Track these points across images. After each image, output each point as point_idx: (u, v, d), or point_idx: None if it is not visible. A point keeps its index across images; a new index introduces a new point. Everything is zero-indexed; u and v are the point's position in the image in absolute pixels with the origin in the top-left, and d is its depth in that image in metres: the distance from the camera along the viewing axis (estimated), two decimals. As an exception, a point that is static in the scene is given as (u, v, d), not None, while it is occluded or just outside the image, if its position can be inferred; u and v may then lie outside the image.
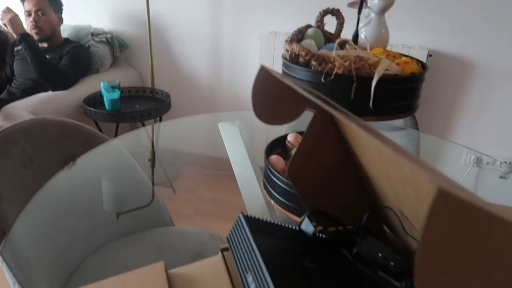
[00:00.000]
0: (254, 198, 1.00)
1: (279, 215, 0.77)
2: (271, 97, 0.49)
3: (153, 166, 1.37)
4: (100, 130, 1.98)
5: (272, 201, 0.76)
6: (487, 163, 2.14)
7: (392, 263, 0.49)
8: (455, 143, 2.08)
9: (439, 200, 0.20)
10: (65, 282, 0.90)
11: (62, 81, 2.08)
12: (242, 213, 0.49)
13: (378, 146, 0.38)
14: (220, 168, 2.00)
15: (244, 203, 1.05)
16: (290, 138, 0.86)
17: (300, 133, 0.91)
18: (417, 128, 1.86)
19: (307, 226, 0.52)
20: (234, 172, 1.09)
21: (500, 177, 2.09)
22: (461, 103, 2.14)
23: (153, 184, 1.28)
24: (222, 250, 0.51)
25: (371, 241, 0.51)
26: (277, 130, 1.52)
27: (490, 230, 0.22)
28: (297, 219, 0.72)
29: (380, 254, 0.50)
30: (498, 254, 0.24)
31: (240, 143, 1.17)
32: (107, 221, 1.08)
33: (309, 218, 0.53)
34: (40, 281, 0.83)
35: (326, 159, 0.52)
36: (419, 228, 0.43)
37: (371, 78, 0.69)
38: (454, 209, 0.20)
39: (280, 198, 0.73)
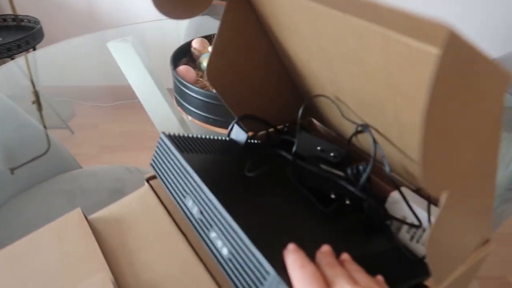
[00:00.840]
0: (166, 120, 0.91)
1: (199, 131, 0.71)
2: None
3: (40, 108, 1.18)
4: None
5: (189, 117, 0.69)
6: None
7: (332, 154, 0.47)
8: None
9: (451, 46, 0.15)
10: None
11: None
12: (164, 133, 0.41)
13: (335, 15, 0.32)
14: (120, 96, 1.82)
15: (156, 129, 0.96)
16: (195, 44, 0.77)
17: (205, 37, 0.81)
18: None
19: (238, 134, 0.47)
20: (138, 96, 0.97)
21: None
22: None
23: (45, 128, 1.11)
24: (148, 180, 0.44)
25: (307, 136, 0.48)
26: (174, 41, 1.37)
27: (489, 82, 0.19)
28: (220, 130, 0.66)
29: (318, 148, 0.47)
30: (488, 110, 0.21)
31: (137, 61, 1.03)
32: (1, 180, 0.92)
33: (238, 124, 0.48)
34: None
35: (247, 54, 0.45)
36: (369, 106, 0.40)
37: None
38: (463, 56, 0.16)
39: (198, 112, 0.66)
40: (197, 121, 0.68)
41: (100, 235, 0.39)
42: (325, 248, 0.33)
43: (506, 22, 1.80)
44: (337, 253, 0.35)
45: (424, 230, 0.40)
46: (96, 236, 0.38)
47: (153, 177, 0.45)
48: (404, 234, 0.42)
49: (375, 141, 0.40)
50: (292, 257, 0.29)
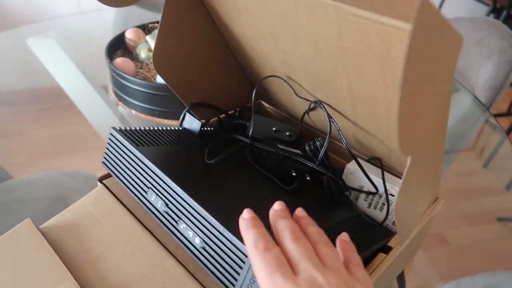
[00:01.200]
0: (105, 118, 0.86)
1: (144, 125, 0.68)
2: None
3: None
4: None
5: (133, 111, 0.66)
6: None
7: (287, 133, 0.47)
8: None
9: (423, 14, 0.16)
10: None
11: None
12: (114, 128, 0.39)
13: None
14: (45, 98, 1.69)
15: (89, 130, 0.91)
16: (129, 35, 0.73)
17: (139, 27, 0.77)
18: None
19: (191, 122, 0.46)
20: (69, 95, 0.91)
21: None
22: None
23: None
24: (101, 180, 0.42)
25: (260, 119, 0.48)
26: (99, 35, 1.29)
27: (448, 44, 0.20)
28: (168, 122, 0.64)
29: (273, 129, 0.47)
30: (445, 72, 0.22)
31: (65, 58, 0.96)
32: None
33: (190, 113, 0.47)
34: None
35: (192, 39, 0.44)
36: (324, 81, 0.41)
37: None
38: (431, 24, 0.17)
39: (142, 105, 0.63)
40: (141, 115, 0.65)
41: (57, 244, 0.36)
42: (279, 206, 0.30)
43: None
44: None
45: (380, 196, 0.43)
46: (52, 246, 0.35)
47: (106, 176, 0.42)
48: (362, 202, 0.44)
49: (329, 116, 0.41)
50: (252, 234, 0.26)
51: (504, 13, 1.56)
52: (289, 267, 0.25)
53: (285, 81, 0.43)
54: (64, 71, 0.93)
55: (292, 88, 0.44)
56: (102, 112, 0.86)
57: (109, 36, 0.76)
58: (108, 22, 1.30)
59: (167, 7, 0.39)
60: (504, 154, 0.91)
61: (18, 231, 0.36)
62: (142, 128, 0.42)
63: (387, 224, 0.42)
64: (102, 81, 1.00)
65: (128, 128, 0.40)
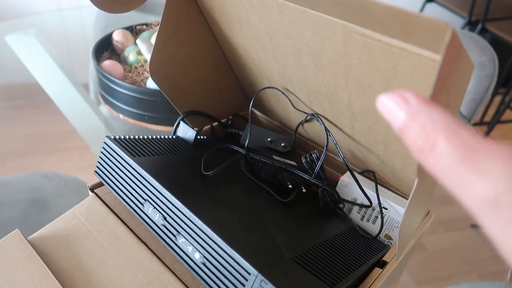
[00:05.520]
0: (84, 116, 0.83)
1: (132, 129, 0.67)
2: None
3: None
4: None
5: (121, 116, 0.64)
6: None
7: (282, 144, 0.47)
8: None
9: (451, 47, 0.16)
10: None
11: None
12: (109, 137, 0.38)
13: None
14: (17, 95, 1.64)
15: (66, 128, 0.88)
16: (117, 36, 0.71)
17: (127, 28, 0.76)
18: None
19: (185, 131, 0.45)
20: (49, 94, 0.88)
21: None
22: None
23: None
24: (92, 189, 0.40)
25: (255, 129, 0.48)
26: (78, 32, 1.26)
27: (463, 70, 0.20)
28: (157, 128, 0.63)
29: (268, 139, 0.47)
30: (458, 96, 0.23)
31: (45, 56, 0.92)
32: None
33: (184, 121, 0.46)
34: None
35: (189, 47, 0.44)
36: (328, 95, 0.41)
37: None
38: (455, 54, 0.17)
39: (131, 109, 0.62)
40: (129, 119, 0.64)
41: (48, 256, 0.35)
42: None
43: None
44: (303, 239, 0.36)
45: (373, 210, 0.43)
46: (43, 258, 0.34)
47: (98, 185, 0.41)
48: (355, 215, 0.44)
49: (327, 130, 0.41)
50: (443, 118, 0.15)
51: (479, 26, 1.61)
52: None
53: (283, 93, 0.43)
54: (44, 69, 0.90)
55: (290, 100, 0.44)
56: (82, 111, 0.84)
57: (90, 34, 0.74)
58: (88, 20, 1.27)
59: (166, 16, 0.39)
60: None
61: (5, 242, 0.35)
62: (136, 137, 0.41)
63: (380, 237, 0.43)
64: (80, 79, 0.97)
65: (122, 137, 0.39)
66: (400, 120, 0.16)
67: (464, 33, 1.08)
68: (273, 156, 0.45)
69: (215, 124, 0.52)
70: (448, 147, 0.15)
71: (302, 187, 0.43)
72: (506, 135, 1.84)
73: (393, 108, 0.16)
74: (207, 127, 0.51)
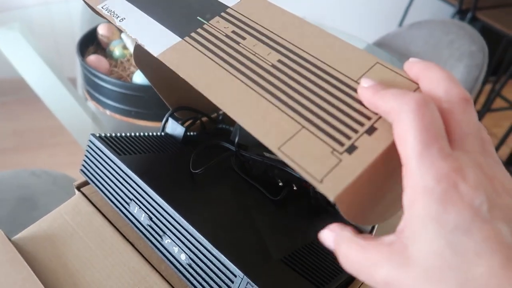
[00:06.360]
0: (72, 111, 0.82)
1: (118, 125, 0.65)
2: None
3: None
4: None
5: (108, 111, 0.63)
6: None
7: (271, 139, 0.47)
8: None
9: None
10: None
11: None
12: (94, 135, 0.37)
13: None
14: (5, 92, 1.61)
15: (55, 124, 0.86)
16: (102, 30, 0.70)
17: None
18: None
19: (175, 128, 0.44)
20: (35, 90, 0.86)
21: None
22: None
23: None
24: (79, 188, 0.40)
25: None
26: (65, 26, 1.23)
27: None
28: (144, 123, 0.62)
29: (258, 134, 0.47)
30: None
31: (29, 51, 0.90)
32: None
33: (173, 117, 0.45)
34: None
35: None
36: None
37: None
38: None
39: (117, 105, 0.61)
40: (116, 115, 0.62)
41: (32, 257, 0.34)
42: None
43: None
44: (292, 239, 0.35)
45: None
46: (27, 259, 0.33)
47: (84, 184, 0.40)
48: (346, 210, 0.44)
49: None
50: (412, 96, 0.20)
51: (469, 15, 1.61)
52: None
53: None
54: (29, 64, 0.88)
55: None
56: (70, 106, 0.83)
57: (76, 28, 0.72)
58: (75, 14, 1.24)
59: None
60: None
61: (-13, 246, 0.34)
62: (123, 135, 0.40)
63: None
64: (68, 73, 0.95)
65: (108, 135, 0.38)
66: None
67: (454, 23, 1.08)
68: (264, 153, 0.45)
69: (205, 119, 0.51)
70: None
71: (293, 185, 0.42)
72: (496, 123, 1.85)
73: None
74: (197, 123, 0.50)
